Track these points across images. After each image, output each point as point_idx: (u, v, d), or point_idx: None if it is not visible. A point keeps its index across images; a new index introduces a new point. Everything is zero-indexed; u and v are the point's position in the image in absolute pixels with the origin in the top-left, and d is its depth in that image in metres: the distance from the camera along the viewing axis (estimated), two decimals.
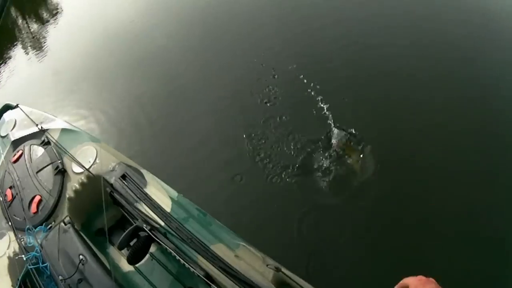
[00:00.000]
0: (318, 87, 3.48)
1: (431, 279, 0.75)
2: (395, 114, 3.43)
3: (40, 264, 1.65)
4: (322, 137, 3.10)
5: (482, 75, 3.82)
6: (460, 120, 3.33)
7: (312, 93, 3.43)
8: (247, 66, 4.14)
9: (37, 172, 2.08)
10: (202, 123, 3.64)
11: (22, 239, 1.84)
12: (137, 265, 1.74)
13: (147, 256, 1.74)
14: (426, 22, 4.55)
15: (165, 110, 3.92)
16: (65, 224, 1.84)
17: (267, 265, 1.57)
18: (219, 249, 1.61)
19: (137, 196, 1.79)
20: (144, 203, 1.76)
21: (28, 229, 1.80)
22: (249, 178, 3.03)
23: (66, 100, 4.35)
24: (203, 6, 5.40)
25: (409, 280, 0.78)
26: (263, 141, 3.28)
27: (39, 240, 1.79)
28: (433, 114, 3.38)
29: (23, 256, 1.69)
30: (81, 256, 1.69)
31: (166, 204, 1.76)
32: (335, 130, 3.03)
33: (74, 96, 4.41)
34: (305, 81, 3.59)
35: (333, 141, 2.95)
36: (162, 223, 1.69)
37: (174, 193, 1.80)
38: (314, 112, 3.29)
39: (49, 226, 1.88)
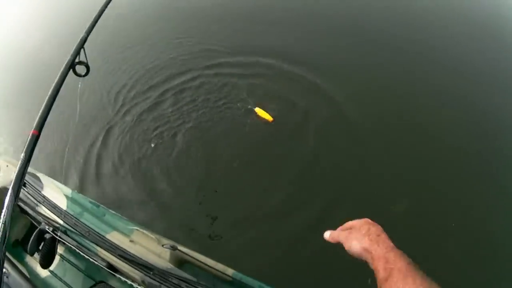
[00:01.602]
0: None
1: (376, 224, 0.73)
2: None
3: None
4: None
5: None
6: None
7: None
8: None
9: None
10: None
11: None
12: (51, 268, 1.71)
13: (58, 257, 1.70)
14: None
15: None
16: None
17: (162, 245, 1.50)
18: (115, 237, 1.55)
19: (37, 200, 1.74)
20: (44, 206, 1.71)
21: None
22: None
23: None
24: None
25: (354, 223, 0.74)
26: None
27: None
28: None
29: None
30: (4, 270, 1.68)
31: (62, 203, 1.70)
32: None
33: None
34: None
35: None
36: (61, 222, 1.64)
37: (68, 191, 1.74)
38: None
39: None
